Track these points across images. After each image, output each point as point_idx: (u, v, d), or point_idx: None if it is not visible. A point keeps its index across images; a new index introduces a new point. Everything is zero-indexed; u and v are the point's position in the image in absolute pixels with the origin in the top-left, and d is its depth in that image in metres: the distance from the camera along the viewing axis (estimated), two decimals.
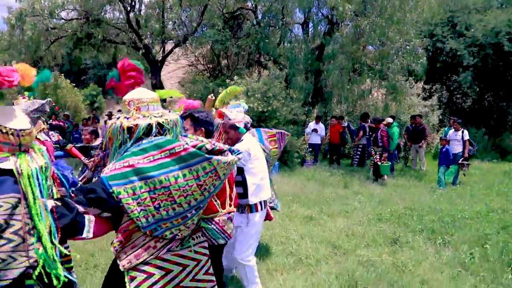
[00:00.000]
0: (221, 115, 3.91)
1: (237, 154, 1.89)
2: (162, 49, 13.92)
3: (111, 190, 1.64)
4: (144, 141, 1.76)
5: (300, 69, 13.46)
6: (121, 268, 1.73)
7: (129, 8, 12.57)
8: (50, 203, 1.60)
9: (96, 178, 4.65)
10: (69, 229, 1.60)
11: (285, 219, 5.76)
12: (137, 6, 13.43)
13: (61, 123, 11.38)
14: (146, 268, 1.77)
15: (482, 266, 4.16)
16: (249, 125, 3.41)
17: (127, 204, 1.64)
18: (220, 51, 14.87)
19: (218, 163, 1.70)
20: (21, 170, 1.55)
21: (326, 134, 12.32)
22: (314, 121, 12.17)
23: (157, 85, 13.57)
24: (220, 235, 2.65)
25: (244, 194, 3.17)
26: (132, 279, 1.74)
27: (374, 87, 14.79)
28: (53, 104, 4.30)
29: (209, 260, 2.08)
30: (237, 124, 3.22)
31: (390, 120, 10.17)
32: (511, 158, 14.24)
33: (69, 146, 5.55)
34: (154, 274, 1.78)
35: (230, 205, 2.79)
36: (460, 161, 9.35)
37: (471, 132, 12.27)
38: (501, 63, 15.00)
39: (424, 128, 11.19)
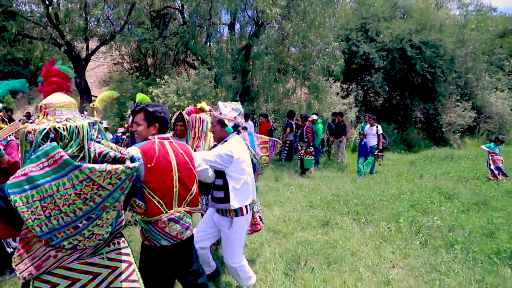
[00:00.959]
0: (192, 112, 3.86)
1: (135, 163, 1.78)
2: (86, 46, 13.31)
3: (10, 198, 1.64)
4: (39, 148, 1.73)
5: (228, 68, 13.85)
6: (21, 279, 1.72)
7: (47, 2, 11.84)
8: None
9: None
10: None
11: None
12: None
13: None
14: (50, 278, 1.77)
15: (397, 236, 4.94)
16: (240, 128, 3.31)
17: (22, 213, 1.63)
18: (147, 49, 14.68)
19: (91, 171, 1.61)
20: None
21: (255, 131, 12.86)
22: (243, 120, 12.65)
23: (82, 84, 12.99)
24: (161, 236, 2.51)
25: (225, 199, 3.04)
26: None
27: (298, 86, 15.73)
28: None
29: (132, 266, 2.04)
30: (226, 121, 3.08)
31: (315, 117, 11.01)
32: (415, 150, 16.19)
33: None
34: (58, 284, 1.77)
35: (180, 205, 2.59)
36: (375, 153, 10.51)
37: (383, 127, 13.76)
38: (405, 66, 16.91)
39: (345, 125, 12.30)
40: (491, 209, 6.12)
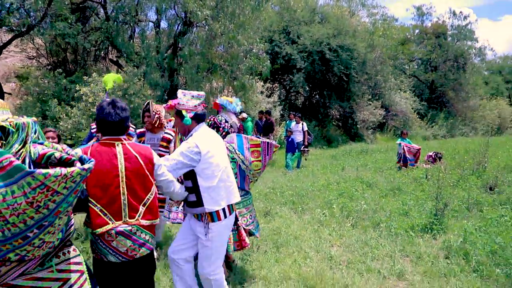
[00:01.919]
0: (172, 107, 3.43)
1: (88, 163, 1.66)
2: None
3: None
4: None
5: (155, 66, 13.71)
6: None
7: None
8: None
9: None
10: None
11: None
12: None
13: None
14: None
15: (331, 221, 5.58)
16: (229, 128, 3.09)
17: None
18: (67, 44, 13.85)
19: (45, 177, 1.44)
20: None
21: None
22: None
23: None
24: (107, 251, 2.23)
25: (198, 202, 2.68)
26: None
27: (225, 85, 16.11)
28: None
29: (83, 276, 1.89)
30: (183, 112, 2.72)
31: (245, 115, 11.47)
32: (334, 145, 17.61)
33: None
34: None
35: (133, 217, 2.27)
36: (302, 149, 11.32)
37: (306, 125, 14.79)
38: (324, 67, 18.26)
39: (272, 122, 12.95)
40: (403, 194, 7.13)
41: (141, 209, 2.31)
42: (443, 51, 26.96)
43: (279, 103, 17.97)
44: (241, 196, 3.18)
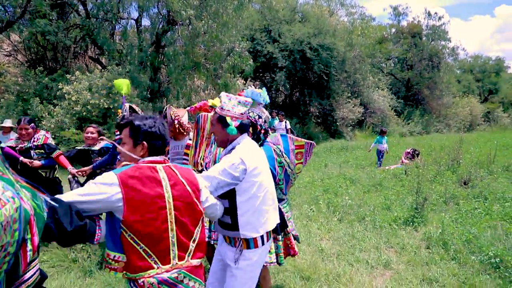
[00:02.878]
0: (198, 110, 3.20)
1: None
2: None
3: None
4: None
5: (137, 65, 13.69)
6: None
7: None
8: None
9: None
10: None
11: None
12: None
13: None
14: None
15: (319, 216, 5.85)
16: (263, 129, 2.59)
17: None
18: (46, 41, 13.62)
19: None
20: None
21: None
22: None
23: None
24: None
25: (233, 225, 2.27)
26: None
27: (209, 83, 16.21)
28: None
29: None
30: (228, 119, 2.30)
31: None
32: (315, 142, 17.82)
33: (57, 152, 4.45)
34: None
35: (182, 258, 1.87)
36: None
37: None
38: (305, 66, 18.59)
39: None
40: (385, 189, 7.50)
41: (191, 246, 1.91)
42: (418, 50, 27.80)
43: None
44: (284, 199, 3.05)
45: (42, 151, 4.41)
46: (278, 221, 2.49)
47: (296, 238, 3.26)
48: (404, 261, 4.22)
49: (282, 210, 2.93)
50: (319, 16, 19.72)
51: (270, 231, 2.39)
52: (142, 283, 1.75)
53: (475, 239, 4.61)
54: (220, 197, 2.24)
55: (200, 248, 1.95)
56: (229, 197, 2.24)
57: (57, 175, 4.80)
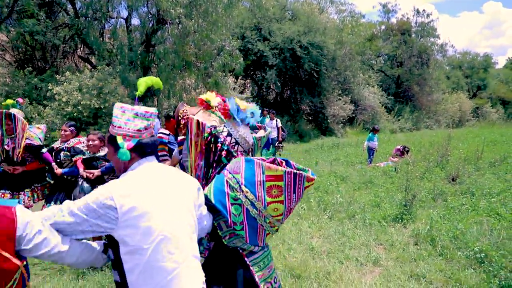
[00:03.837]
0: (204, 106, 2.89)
1: None
2: None
3: None
4: None
5: (128, 64, 13.64)
6: None
7: None
8: None
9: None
10: None
11: None
12: None
13: None
14: None
15: (310, 214, 5.92)
16: (226, 150, 2.17)
17: None
18: (35, 41, 13.50)
19: None
20: None
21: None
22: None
23: None
24: None
25: (122, 284, 1.72)
26: None
27: (199, 82, 16.21)
28: None
29: None
30: (119, 139, 1.76)
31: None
32: (306, 140, 18.10)
33: (77, 157, 4.38)
34: None
35: None
36: (276, 145, 11.66)
37: None
38: (295, 64, 18.67)
39: None
40: (375, 186, 7.60)
41: None
42: (408, 47, 28.08)
43: (251, 99, 18.24)
44: (255, 252, 2.08)
45: (68, 153, 4.46)
46: (200, 284, 1.69)
47: None
48: (393, 258, 4.31)
49: (252, 269, 2.03)
50: (309, 14, 19.81)
51: None
52: None
53: (462, 235, 4.71)
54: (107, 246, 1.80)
55: None
56: (112, 246, 1.74)
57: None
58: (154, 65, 14.88)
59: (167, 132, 4.64)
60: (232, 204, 1.98)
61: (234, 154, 2.33)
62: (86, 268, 3.91)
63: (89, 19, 13.77)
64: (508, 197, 6.31)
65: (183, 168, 3.33)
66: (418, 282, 3.77)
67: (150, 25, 14.60)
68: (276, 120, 11.92)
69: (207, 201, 1.98)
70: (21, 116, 4.41)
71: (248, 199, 1.98)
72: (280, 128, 11.87)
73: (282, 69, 18.74)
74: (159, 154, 4.31)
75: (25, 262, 1.53)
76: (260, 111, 2.47)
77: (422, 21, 29.13)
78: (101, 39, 14.64)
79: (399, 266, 4.10)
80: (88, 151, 4.29)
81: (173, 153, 4.03)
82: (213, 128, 2.54)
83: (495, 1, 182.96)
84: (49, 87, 10.14)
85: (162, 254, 1.59)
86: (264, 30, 18.70)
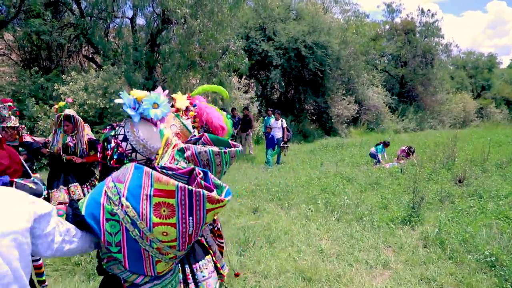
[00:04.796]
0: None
1: None
2: None
3: None
4: None
5: (134, 64, 13.67)
6: None
7: None
8: None
9: None
10: None
11: None
12: None
13: None
14: None
15: (317, 216, 5.92)
16: (129, 151, 1.83)
17: None
18: (41, 41, 13.55)
19: None
20: None
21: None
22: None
23: None
24: None
25: None
26: None
27: (204, 81, 16.22)
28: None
29: None
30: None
31: (223, 112, 11.69)
32: (310, 140, 18.08)
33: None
34: None
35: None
36: (281, 145, 11.66)
37: None
38: (300, 64, 18.65)
39: (250, 119, 13.25)
40: (382, 188, 7.59)
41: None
42: (412, 47, 27.98)
43: (256, 99, 18.26)
44: (139, 285, 1.74)
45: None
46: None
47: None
48: (402, 261, 4.30)
49: None
50: (314, 14, 19.78)
51: None
52: None
53: (471, 238, 4.70)
54: None
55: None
56: None
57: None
58: (159, 65, 14.93)
59: None
60: (107, 220, 1.60)
61: (128, 160, 1.86)
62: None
63: (95, 18, 13.82)
64: None
65: None
66: (429, 286, 3.76)
67: (155, 25, 14.63)
68: (282, 121, 11.92)
69: (77, 214, 1.62)
70: (75, 114, 4.94)
71: (128, 216, 1.59)
72: (286, 128, 11.87)
73: (287, 69, 18.73)
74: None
75: None
76: (169, 104, 1.89)
77: (427, 20, 29.04)
78: (106, 38, 14.67)
79: (409, 269, 4.10)
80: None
81: None
82: (109, 129, 2.00)
83: (499, 0, 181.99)
84: (55, 87, 10.17)
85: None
86: (268, 30, 18.69)
